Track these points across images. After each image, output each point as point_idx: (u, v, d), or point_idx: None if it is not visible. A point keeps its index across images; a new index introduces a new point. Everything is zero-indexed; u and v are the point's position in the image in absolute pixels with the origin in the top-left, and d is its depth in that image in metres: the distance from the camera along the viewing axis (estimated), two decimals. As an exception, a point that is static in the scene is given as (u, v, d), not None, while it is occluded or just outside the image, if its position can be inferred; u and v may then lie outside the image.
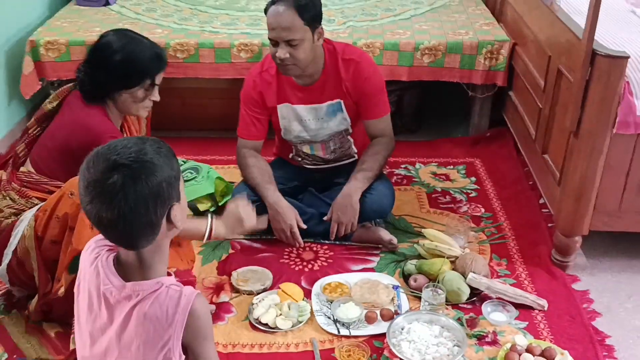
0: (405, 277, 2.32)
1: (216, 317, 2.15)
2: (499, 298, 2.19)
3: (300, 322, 2.11)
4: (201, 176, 2.68)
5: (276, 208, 2.39)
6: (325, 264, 2.41)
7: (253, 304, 2.18)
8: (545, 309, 2.18)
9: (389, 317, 2.11)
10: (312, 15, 2.26)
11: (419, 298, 2.17)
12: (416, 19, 3.40)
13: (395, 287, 2.26)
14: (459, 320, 2.10)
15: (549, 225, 2.57)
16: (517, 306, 2.17)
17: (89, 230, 1.80)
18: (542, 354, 1.95)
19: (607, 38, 2.30)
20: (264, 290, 2.26)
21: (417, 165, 3.09)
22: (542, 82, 2.56)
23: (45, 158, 2.09)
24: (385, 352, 2.01)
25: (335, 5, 3.65)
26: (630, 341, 2.09)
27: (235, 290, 2.27)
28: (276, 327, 2.09)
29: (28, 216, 2.00)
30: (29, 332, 2.06)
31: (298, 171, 2.65)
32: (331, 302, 2.18)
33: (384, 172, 2.67)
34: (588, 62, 2.05)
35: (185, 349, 1.33)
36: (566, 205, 2.28)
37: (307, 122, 2.48)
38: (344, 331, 2.09)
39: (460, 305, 2.19)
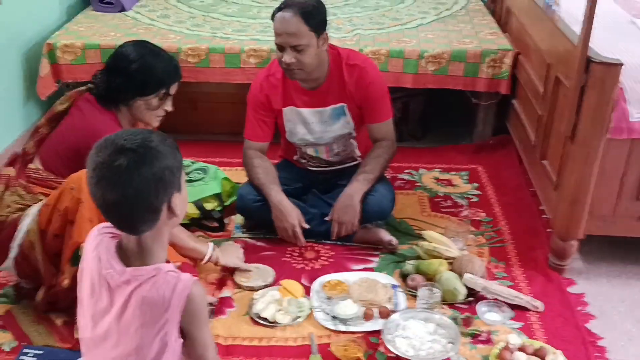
0: (404, 277, 2.37)
1: (217, 311, 2.21)
2: (494, 299, 2.23)
3: (299, 318, 2.17)
4: (209, 176, 2.75)
5: (280, 207, 2.46)
6: (326, 263, 2.47)
7: (254, 299, 2.24)
8: (540, 310, 2.22)
9: (386, 314, 2.16)
10: (317, 21, 2.34)
11: (417, 297, 2.22)
12: (422, 28, 3.48)
13: (393, 287, 2.31)
14: (454, 319, 2.15)
15: (548, 230, 2.61)
16: (513, 307, 2.21)
17: (88, 224, 1.86)
18: (534, 353, 1.99)
19: (606, 47, 2.34)
20: (265, 286, 2.32)
21: (421, 171, 3.15)
22: (542, 90, 2.62)
23: (54, 157, 2.18)
24: (381, 348, 2.06)
25: (344, 14, 3.73)
26: (622, 343, 2.13)
27: (237, 286, 2.34)
28: (275, 322, 2.15)
29: (33, 211, 2.08)
30: (37, 321, 2.14)
31: (302, 173, 2.72)
32: (330, 299, 2.24)
33: (385, 175, 2.73)
34: (583, 69, 2.11)
35: (183, 333, 1.39)
36: (562, 209, 2.33)
37: (312, 125, 2.55)
38: (341, 327, 2.14)
39: (456, 304, 2.24)
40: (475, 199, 2.91)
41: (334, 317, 2.17)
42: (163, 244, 1.41)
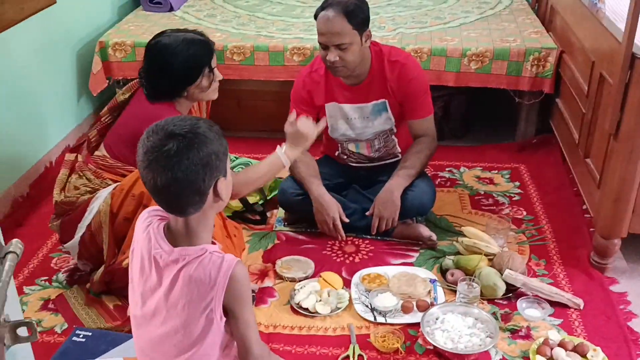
0: (443, 272, 2.38)
1: (260, 300, 2.27)
2: (534, 295, 2.23)
3: (339, 309, 2.21)
4: (251, 171, 2.82)
5: (320, 201, 2.50)
6: (366, 257, 2.51)
7: (295, 289, 2.29)
8: (581, 307, 2.21)
9: (424, 308, 2.18)
10: (360, 20, 2.37)
11: (456, 292, 2.23)
12: (465, 26, 3.48)
13: (432, 281, 2.33)
14: (493, 314, 2.15)
15: (591, 230, 2.58)
16: (553, 304, 2.21)
17: None
18: (574, 349, 1.99)
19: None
20: (306, 278, 2.37)
21: (462, 169, 3.15)
22: (586, 88, 2.60)
23: (119, 145, 2.27)
24: (419, 340, 2.08)
25: (387, 13, 3.76)
26: (665, 342, 2.10)
27: (278, 277, 2.39)
28: (316, 312, 2.20)
29: (104, 194, 2.18)
30: (89, 304, 2.24)
31: (343, 169, 2.76)
32: (369, 292, 2.27)
33: (426, 171, 2.74)
34: (627, 65, 2.09)
35: (226, 312, 1.45)
36: (605, 207, 2.31)
37: (353, 120, 2.59)
38: (380, 319, 2.17)
39: (495, 300, 2.24)
40: (516, 198, 2.90)
41: (373, 309, 2.20)
42: (208, 226, 1.47)
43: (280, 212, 2.78)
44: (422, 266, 2.44)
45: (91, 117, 3.57)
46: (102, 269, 2.20)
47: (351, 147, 2.69)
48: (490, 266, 2.33)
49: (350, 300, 2.25)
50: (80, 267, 2.39)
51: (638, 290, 2.32)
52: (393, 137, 2.65)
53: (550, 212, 2.79)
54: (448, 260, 2.40)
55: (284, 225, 2.72)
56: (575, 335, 2.09)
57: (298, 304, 2.23)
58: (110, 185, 2.22)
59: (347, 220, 2.53)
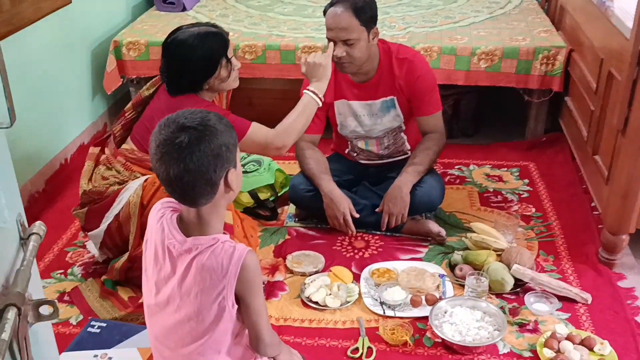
0: (452, 267, 2.41)
1: (270, 293, 2.31)
2: (542, 290, 2.25)
3: (349, 302, 2.24)
4: (263, 168, 2.86)
5: (330, 196, 2.53)
6: (375, 252, 2.54)
7: (305, 283, 2.33)
8: (589, 302, 2.23)
9: (433, 302, 2.20)
10: (368, 16, 2.41)
11: (464, 287, 2.25)
12: (475, 26, 3.50)
13: (441, 276, 2.35)
14: (501, 308, 2.17)
15: (599, 226, 2.60)
16: (561, 299, 2.23)
17: None
18: (581, 343, 2.01)
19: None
20: (316, 272, 2.40)
21: (471, 167, 3.17)
22: (595, 85, 2.62)
23: (146, 138, 2.30)
24: (428, 333, 2.11)
25: (397, 12, 3.79)
26: (673, 337, 2.11)
27: (289, 271, 2.43)
28: (325, 306, 2.23)
29: (134, 186, 2.23)
30: (103, 297, 2.28)
31: (353, 166, 2.79)
32: (378, 286, 2.30)
33: (435, 168, 2.77)
34: (635, 62, 2.11)
35: (238, 300, 1.48)
36: (613, 203, 2.32)
37: (362, 117, 2.62)
38: (389, 312, 2.20)
39: (503, 294, 2.27)
40: (525, 195, 2.92)
41: (382, 303, 2.23)
42: (220, 216, 1.51)
43: (291, 208, 2.82)
44: (431, 261, 2.46)
45: (105, 115, 3.63)
46: (124, 256, 2.25)
47: (360, 144, 2.72)
48: (499, 261, 2.36)
49: (359, 294, 2.29)
50: (97, 258, 2.43)
51: (646, 286, 2.34)
52: (402, 134, 2.68)
53: (559, 209, 2.80)
54: (457, 256, 2.43)
55: (295, 221, 2.76)
56: (582, 330, 2.11)
57: (308, 297, 2.26)
58: (139, 177, 2.26)
59: (357, 215, 2.55)
